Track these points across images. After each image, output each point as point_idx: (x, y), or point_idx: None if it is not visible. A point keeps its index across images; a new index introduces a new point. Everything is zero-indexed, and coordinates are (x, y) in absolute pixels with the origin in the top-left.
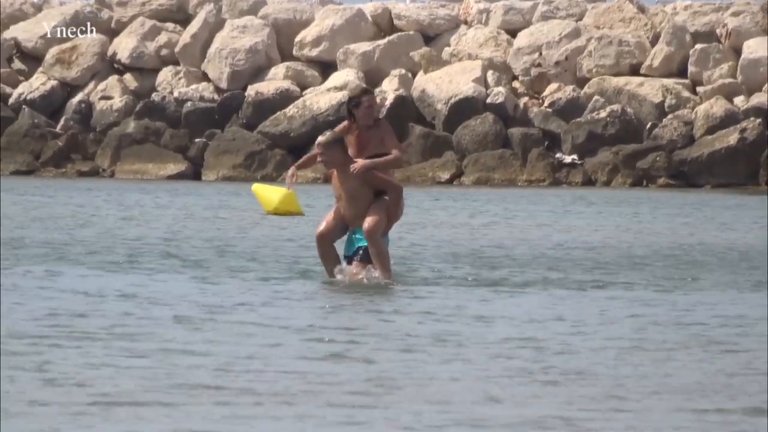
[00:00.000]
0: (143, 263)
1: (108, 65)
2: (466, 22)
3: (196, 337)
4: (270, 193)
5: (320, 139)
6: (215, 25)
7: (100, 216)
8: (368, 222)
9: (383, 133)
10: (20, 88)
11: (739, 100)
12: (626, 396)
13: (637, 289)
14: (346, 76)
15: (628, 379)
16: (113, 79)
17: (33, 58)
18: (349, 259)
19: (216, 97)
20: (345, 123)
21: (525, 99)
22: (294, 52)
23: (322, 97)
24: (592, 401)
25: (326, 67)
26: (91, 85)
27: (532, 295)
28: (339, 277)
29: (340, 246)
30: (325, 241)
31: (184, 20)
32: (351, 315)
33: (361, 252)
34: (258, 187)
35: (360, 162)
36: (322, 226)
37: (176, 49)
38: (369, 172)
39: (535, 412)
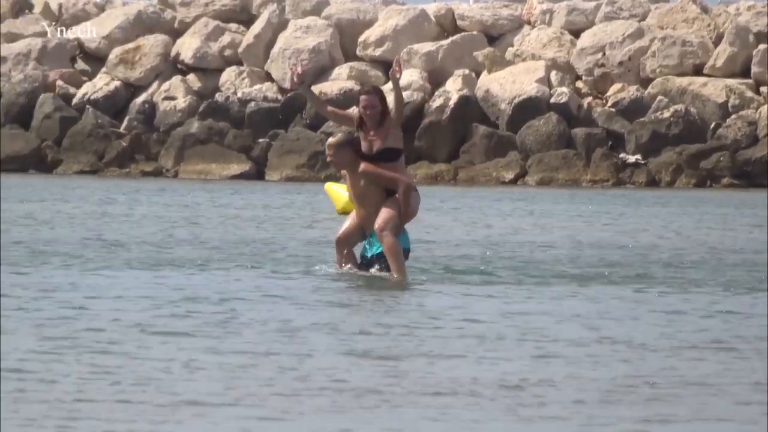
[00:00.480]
0: (265, 264)
1: (171, 66)
2: (529, 23)
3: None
4: (340, 193)
5: (330, 140)
6: (278, 26)
7: (207, 218)
8: (378, 219)
9: (387, 131)
10: (84, 89)
11: None
12: None
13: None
14: (410, 77)
15: None
16: (177, 79)
17: (96, 59)
18: (367, 262)
19: (279, 97)
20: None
21: (588, 99)
22: (357, 52)
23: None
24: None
25: (389, 68)
26: (154, 86)
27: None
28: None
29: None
30: (342, 245)
31: (248, 20)
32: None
33: (378, 258)
34: (330, 187)
35: (365, 165)
36: (340, 231)
37: (240, 50)
38: (374, 172)
39: None
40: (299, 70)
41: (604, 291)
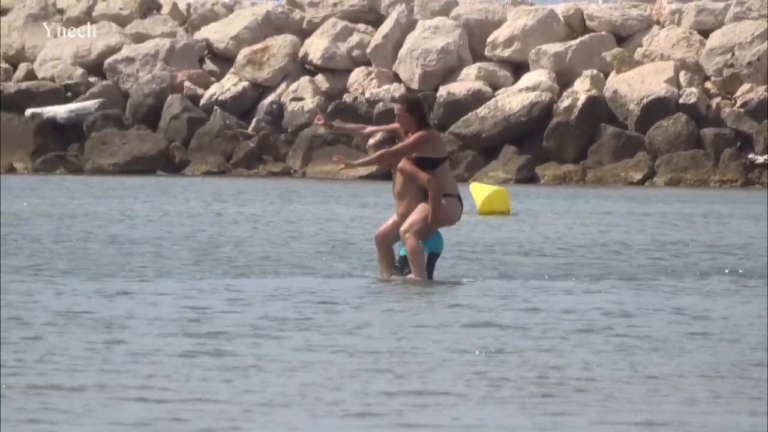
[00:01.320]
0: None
1: (299, 66)
2: (658, 23)
3: None
4: (479, 192)
5: (370, 141)
6: (407, 26)
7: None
8: (405, 222)
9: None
10: (212, 89)
11: None
12: None
13: None
14: (538, 77)
15: None
16: (305, 80)
17: (224, 59)
18: (401, 261)
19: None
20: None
21: (717, 99)
22: (486, 53)
23: (514, 98)
24: None
25: (518, 68)
26: (282, 86)
27: None
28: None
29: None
30: (381, 241)
31: (376, 21)
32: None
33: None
34: (474, 186)
35: (402, 163)
36: (381, 227)
37: (368, 50)
38: (410, 170)
39: None
40: (318, 121)
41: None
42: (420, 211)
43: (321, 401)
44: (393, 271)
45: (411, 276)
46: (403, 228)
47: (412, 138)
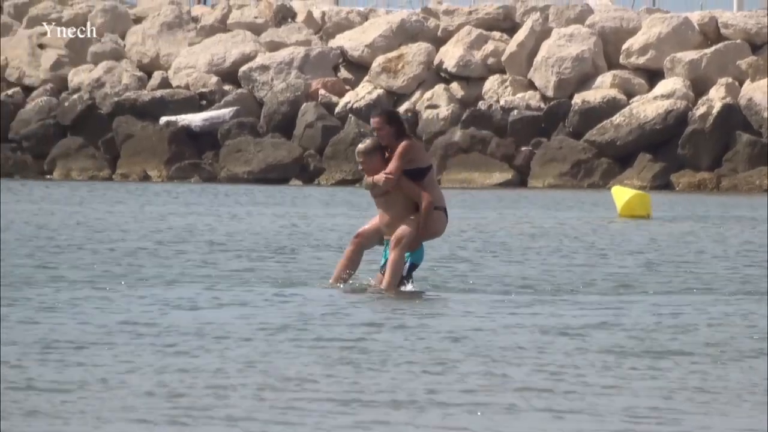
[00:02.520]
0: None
1: (434, 74)
2: None
3: None
4: (620, 196)
5: (360, 146)
6: (541, 34)
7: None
8: (399, 230)
9: (396, 152)
10: (346, 97)
11: None
12: None
13: None
14: (673, 85)
15: None
16: (439, 87)
17: (359, 67)
18: (383, 267)
19: (542, 105)
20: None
21: None
22: (620, 60)
23: (649, 106)
24: None
25: (653, 75)
26: (417, 94)
27: None
28: (342, 285)
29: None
30: (360, 242)
31: (511, 29)
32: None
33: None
34: (616, 189)
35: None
36: (363, 228)
37: (503, 58)
38: (400, 179)
39: None
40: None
41: None
42: (411, 223)
43: None
44: (345, 277)
45: (380, 284)
46: (396, 235)
47: (399, 153)
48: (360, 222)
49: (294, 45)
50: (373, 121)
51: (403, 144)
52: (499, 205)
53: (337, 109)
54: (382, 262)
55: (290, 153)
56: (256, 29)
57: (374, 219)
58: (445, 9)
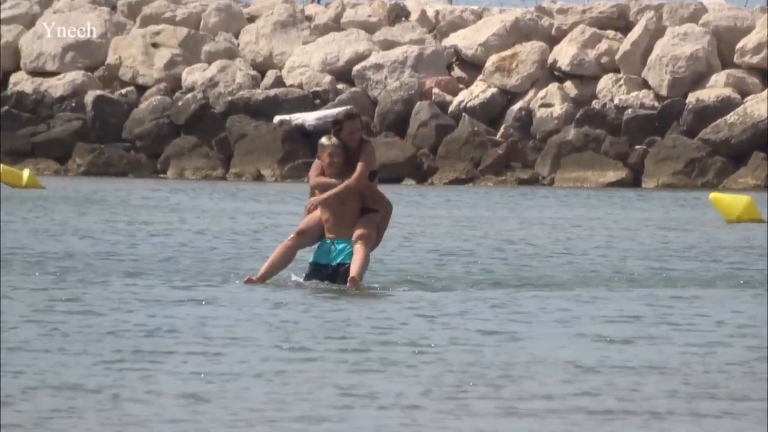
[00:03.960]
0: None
1: (548, 73)
2: None
3: None
4: (730, 202)
5: (333, 140)
6: (655, 33)
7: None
8: (362, 229)
9: (364, 153)
10: (460, 96)
11: None
12: None
13: None
14: None
15: None
16: (553, 86)
17: (473, 66)
18: (319, 269)
19: (656, 104)
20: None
21: None
22: (734, 60)
23: (763, 105)
24: None
25: (767, 75)
26: (531, 93)
27: None
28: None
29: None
30: (300, 240)
31: (625, 27)
32: None
33: (341, 270)
34: (716, 197)
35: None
36: (303, 225)
37: (616, 57)
38: (367, 181)
39: None
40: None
41: None
42: (371, 224)
43: None
44: (271, 275)
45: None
46: (364, 234)
47: (369, 154)
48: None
49: (408, 44)
50: (352, 123)
51: (371, 146)
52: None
53: (451, 108)
54: (329, 260)
55: (404, 152)
56: (370, 28)
57: (311, 218)
58: (558, 7)
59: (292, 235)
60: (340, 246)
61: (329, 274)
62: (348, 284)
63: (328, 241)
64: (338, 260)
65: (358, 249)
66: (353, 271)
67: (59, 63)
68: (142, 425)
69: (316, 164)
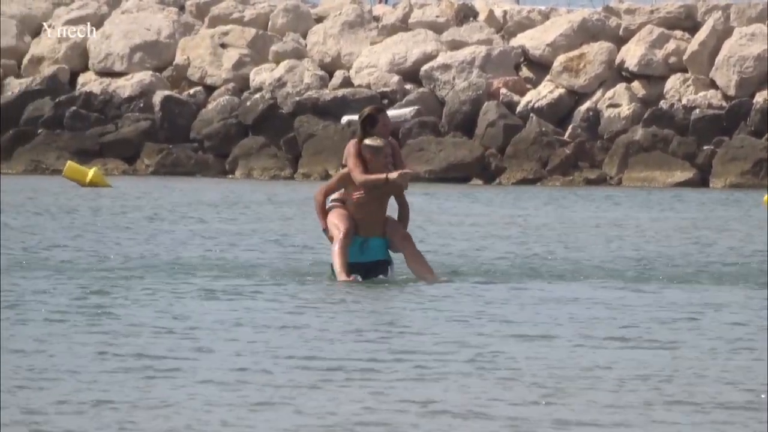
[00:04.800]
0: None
1: (616, 73)
2: None
3: None
4: None
5: (380, 140)
6: (723, 33)
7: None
8: (403, 230)
9: (393, 149)
10: (528, 96)
11: None
12: None
13: None
14: None
15: None
16: (621, 86)
17: (540, 66)
18: (367, 266)
19: (724, 104)
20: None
21: None
22: None
23: None
24: None
25: None
26: (598, 93)
27: None
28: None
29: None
30: (346, 241)
31: (692, 27)
32: None
33: (380, 267)
34: None
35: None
36: (344, 226)
37: (684, 57)
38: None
39: None
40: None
41: None
42: (399, 224)
43: None
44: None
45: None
46: (404, 235)
47: (399, 151)
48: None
49: (475, 44)
50: (385, 116)
51: (396, 142)
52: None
53: (519, 108)
54: (370, 258)
55: (471, 152)
56: (438, 28)
57: (344, 217)
58: (626, 8)
59: (341, 237)
60: (375, 244)
61: (366, 271)
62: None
63: (360, 240)
64: (377, 257)
65: (414, 246)
66: (429, 271)
67: (127, 63)
68: None
69: (352, 164)
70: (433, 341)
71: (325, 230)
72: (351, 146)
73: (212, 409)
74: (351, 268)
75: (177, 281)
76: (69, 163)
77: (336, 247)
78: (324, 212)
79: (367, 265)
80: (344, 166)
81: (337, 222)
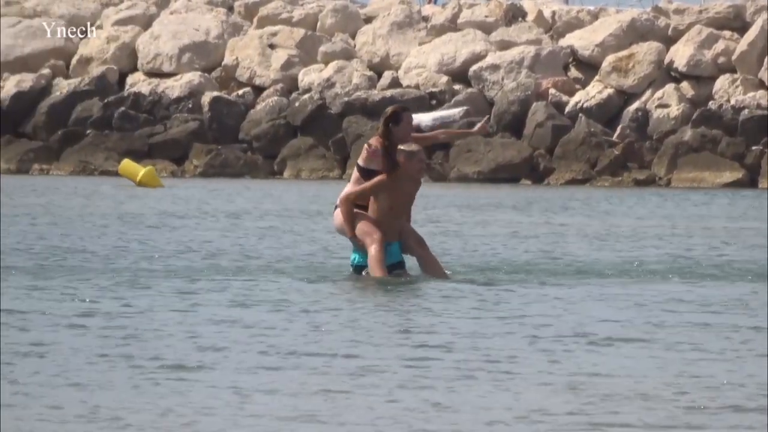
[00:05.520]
0: None
1: (665, 73)
2: None
3: None
4: None
5: (415, 145)
6: None
7: None
8: (417, 234)
9: None
10: (576, 96)
11: None
12: None
13: None
14: None
15: None
16: (670, 87)
17: (589, 66)
18: (359, 270)
19: None
20: (378, 139)
21: None
22: None
23: None
24: None
25: None
26: (647, 93)
27: None
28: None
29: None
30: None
31: (741, 28)
32: None
33: (396, 270)
34: None
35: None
36: (377, 233)
37: (733, 57)
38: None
39: None
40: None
41: None
42: (410, 227)
43: None
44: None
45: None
46: (420, 240)
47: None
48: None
49: (524, 44)
50: (409, 115)
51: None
52: None
53: (567, 109)
54: (393, 260)
55: (520, 153)
56: (487, 28)
57: (372, 224)
58: (675, 8)
59: (377, 246)
60: (392, 248)
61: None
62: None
63: (384, 244)
64: (397, 260)
65: (430, 254)
66: (445, 276)
67: (176, 64)
68: None
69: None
70: None
71: (353, 237)
72: (376, 144)
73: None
74: (362, 270)
75: None
76: (126, 160)
77: (376, 253)
78: (352, 219)
79: (391, 267)
80: (360, 167)
81: (368, 230)
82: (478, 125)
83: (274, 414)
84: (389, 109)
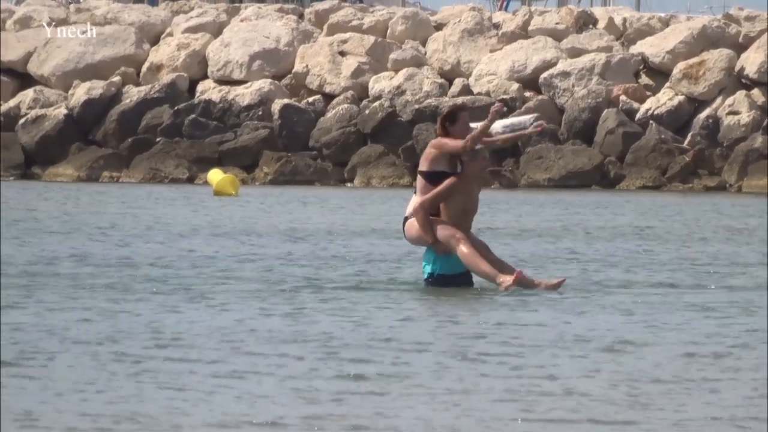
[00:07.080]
0: None
1: (735, 80)
2: None
3: None
4: None
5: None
6: None
7: None
8: (476, 236)
9: None
10: (647, 104)
11: None
12: None
13: None
14: None
15: None
16: (741, 94)
17: (660, 73)
18: (446, 280)
19: None
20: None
21: None
22: None
23: None
24: None
25: None
26: (718, 101)
27: None
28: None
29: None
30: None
31: None
32: None
33: (465, 278)
34: None
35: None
36: (460, 234)
37: None
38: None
39: None
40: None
41: None
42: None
43: None
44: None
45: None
46: (484, 246)
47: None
48: None
49: (595, 51)
50: (466, 116)
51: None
52: None
53: (638, 116)
54: (440, 271)
55: (591, 160)
56: (557, 35)
57: (449, 227)
58: (746, 15)
59: (465, 244)
60: (455, 257)
61: (456, 283)
62: (513, 280)
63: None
64: (462, 270)
65: (494, 255)
66: (509, 272)
67: (246, 71)
68: None
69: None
70: None
71: (435, 244)
72: (442, 143)
73: None
74: (442, 280)
75: None
76: (215, 169)
77: (468, 250)
78: (431, 226)
79: (462, 277)
80: (424, 173)
81: (449, 232)
82: (531, 127)
83: None
84: (445, 109)
